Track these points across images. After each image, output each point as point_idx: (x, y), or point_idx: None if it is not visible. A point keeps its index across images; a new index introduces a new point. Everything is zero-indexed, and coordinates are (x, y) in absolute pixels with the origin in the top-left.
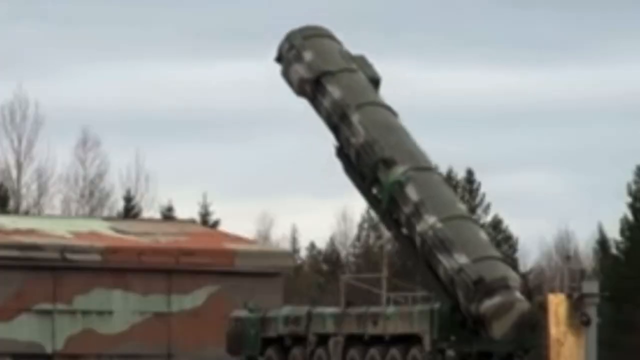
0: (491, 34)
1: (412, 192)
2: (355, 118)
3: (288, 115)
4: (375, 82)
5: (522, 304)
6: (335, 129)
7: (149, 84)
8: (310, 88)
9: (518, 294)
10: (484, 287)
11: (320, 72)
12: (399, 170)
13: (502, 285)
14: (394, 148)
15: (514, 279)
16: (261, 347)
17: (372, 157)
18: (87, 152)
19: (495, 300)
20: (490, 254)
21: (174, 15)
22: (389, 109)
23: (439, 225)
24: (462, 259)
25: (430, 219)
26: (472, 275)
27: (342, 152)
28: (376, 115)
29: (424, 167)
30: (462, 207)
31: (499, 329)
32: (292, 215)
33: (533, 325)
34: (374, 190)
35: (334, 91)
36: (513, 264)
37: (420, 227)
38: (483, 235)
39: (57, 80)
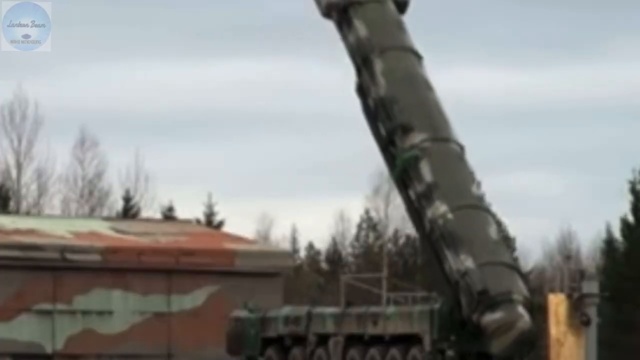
0: (491, 34)
1: (426, 170)
2: (377, 66)
3: (288, 115)
4: (403, 5)
5: (523, 322)
6: (357, 68)
7: (148, 83)
8: (337, 15)
9: (520, 309)
10: (487, 300)
11: (349, 0)
12: (416, 139)
13: (505, 300)
14: (414, 110)
15: (519, 290)
16: (261, 347)
17: (390, 117)
18: (85, 152)
19: (497, 316)
20: (497, 258)
21: (173, 14)
22: (413, 51)
23: (450, 215)
24: (468, 262)
25: (442, 207)
26: (476, 284)
27: (362, 90)
28: (400, 63)
29: (442, 138)
30: (476, 192)
31: (498, 345)
32: (291, 215)
33: (532, 343)
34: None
35: (360, 27)
36: (518, 266)
37: (430, 213)
38: (493, 231)
39: (55, 80)
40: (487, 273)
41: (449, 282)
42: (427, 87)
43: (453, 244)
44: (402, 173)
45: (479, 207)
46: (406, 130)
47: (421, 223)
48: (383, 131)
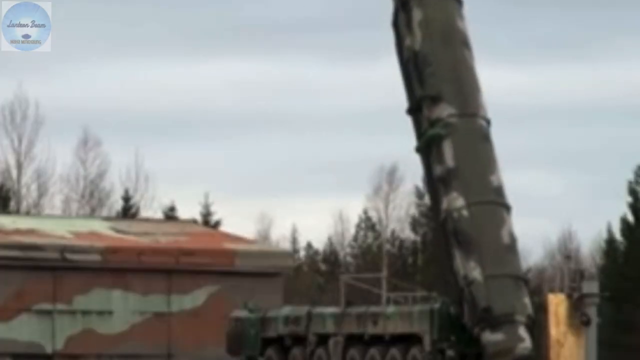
0: (491, 33)
1: (448, 152)
2: (416, 16)
3: (287, 115)
4: None
5: (522, 348)
6: (396, 6)
7: (148, 83)
8: None
9: (521, 332)
10: (489, 318)
11: None
12: (443, 112)
13: (508, 321)
14: (445, 76)
15: (523, 308)
16: (261, 347)
17: (421, 79)
18: (87, 152)
19: (498, 337)
20: (505, 270)
21: (174, 14)
22: None
23: (465, 212)
24: (475, 272)
25: (458, 201)
26: (481, 300)
27: (397, 26)
28: (439, 14)
29: (469, 114)
30: (495, 182)
31: None
32: (291, 215)
33: None
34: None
35: None
36: (524, 275)
37: (446, 203)
38: (506, 232)
39: (55, 80)
40: (492, 288)
41: (456, 281)
42: (463, 44)
43: (464, 245)
44: (425, 147)
45: (495, 202)
46: (435, 100)
47: (437, 205)
48: (416, 89)
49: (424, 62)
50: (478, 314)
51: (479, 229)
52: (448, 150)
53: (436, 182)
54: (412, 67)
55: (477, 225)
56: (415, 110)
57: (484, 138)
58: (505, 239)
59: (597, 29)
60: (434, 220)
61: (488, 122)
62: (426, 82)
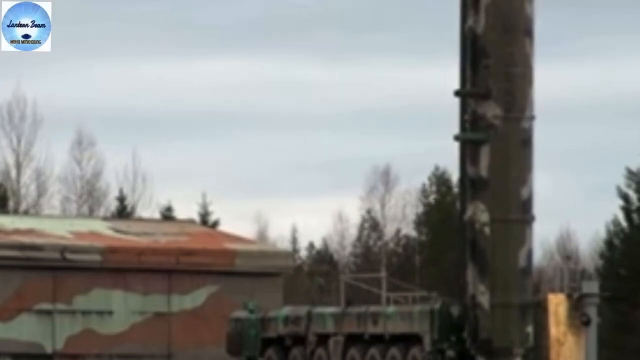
0: None
1: (484, 160)
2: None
3: (281, 115)
4: None
5: None
6: None
7: (144, 83)
8: None
9: None
10: (487, 348)
11: None
12: (489, 111)
13: (505, 353)
14: (499, 71)
15: (523, 340)
16: (261, 348)
17: (475, 68)
18: (82, 151)
19: None
20: (513, 300)
21: (171, 13)
22: None
23: (487, 229)
24: (484, 298)
25: (483, 215)
26: (482, 331)
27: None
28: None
29: (514, 117)
30: (525, 193)
31: None
32: (287, 215)
33: None
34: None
35: None
36: (531, 301)
37: (471, 211)
38: (523, 255)
39: (54, 80)
40: (497, 320)
41: (464, 286)
42: (525, 33)
43: (479, 264)
44: (464, 143)
45: (520, 220)
46: (484, 96)
47: (463, 200)
48: (467, 73)
49: (482, 52)
50: (477, 342)
51: (496, 253)
52: (484, 158)
53: (466, 179)
54: (469, 48)
55: (496, 248)
56: (463, 95)
57: (524, 143)
58: (522, 262)
59: (592, 28)
60: (459, 214)
61: (532, 118)
62: (479, 73)
